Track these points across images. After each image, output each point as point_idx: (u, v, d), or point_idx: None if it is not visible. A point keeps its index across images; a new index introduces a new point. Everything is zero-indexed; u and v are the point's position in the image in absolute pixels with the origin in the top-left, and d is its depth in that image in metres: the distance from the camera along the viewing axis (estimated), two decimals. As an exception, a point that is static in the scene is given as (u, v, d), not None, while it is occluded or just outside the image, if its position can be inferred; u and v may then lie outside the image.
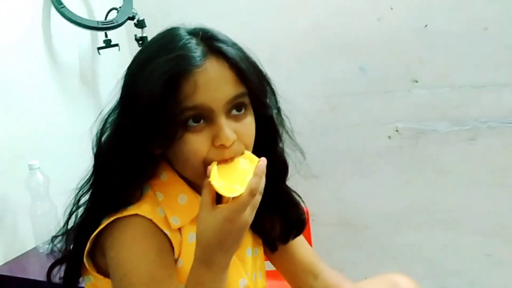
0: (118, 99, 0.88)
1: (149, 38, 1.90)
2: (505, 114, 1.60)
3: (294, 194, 1.02)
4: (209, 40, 0.82)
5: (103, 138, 0.88)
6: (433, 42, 1.65)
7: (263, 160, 0.78)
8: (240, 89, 0.83)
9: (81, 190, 0.92)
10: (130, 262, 0.81)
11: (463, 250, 1.75)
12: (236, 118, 0.83)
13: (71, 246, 0.92)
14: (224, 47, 0.82)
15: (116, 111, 0.88)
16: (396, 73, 1.73)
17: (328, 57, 1.81)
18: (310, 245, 1.56)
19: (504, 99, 1.59)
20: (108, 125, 0.89)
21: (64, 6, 1.74)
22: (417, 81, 1.70)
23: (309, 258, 1.08)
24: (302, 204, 1.04)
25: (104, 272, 0.86)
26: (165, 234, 0.84)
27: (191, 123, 0.80)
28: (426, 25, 1.65)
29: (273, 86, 0.92)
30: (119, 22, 1.86)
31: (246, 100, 0.85)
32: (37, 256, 1.58)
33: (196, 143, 0.80)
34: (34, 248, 1.61)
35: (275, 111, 0.93)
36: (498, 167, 1.65)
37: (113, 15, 1.89)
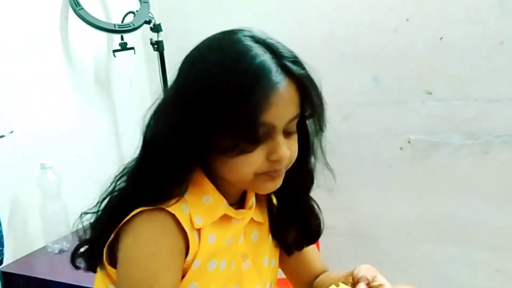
0: (173, 95, 0.87)
1: (164, 43, 1.93)
2: (519, 128, 1.59)
3: (315, 204, 1.03)
4: (281, 59, 0.83)
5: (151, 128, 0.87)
6: (448, 55, 1.65)
7: None
8: (299, 110, 0.85)
9: (122, 174, 0.91)
10: (137, 263, 0.81)
11: (473, 264, 1.74)
12: (288, 135, 0.85)
13: (98, 230, 0.91)
14: (296, 68, 0.84)
15: (169, 106, 0.87)
16: (410, 84, 1.72)
17: (343, 67, 1.81)
18: (319, 254, 1.56)
19: (519, 114, 1.58)
20: (155, 117, 0.87)
21: (82, 8, 1.76)
22: (431, 93, 1.69)
23: (319, 264, 1.10)
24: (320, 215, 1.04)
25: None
26: (184, 232, 0.83)
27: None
28: (441, 38, 1.65)
29: (325, 111, 0.93)
30: (136, 25, 1.87)
31: (297, 120, 0.87)
32: (45, 255, 1.59)
33: (252, 155, 0.82)
34: (43, 247, 1.62)
35: (319, 134, 0.94)
36: (510, 181, 1.63)
37: (129, 18, 1.90)
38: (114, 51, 1.94)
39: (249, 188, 0.90)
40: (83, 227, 0.95)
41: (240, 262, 0.94)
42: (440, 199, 1.75)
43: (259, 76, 0.79)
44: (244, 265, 0.95)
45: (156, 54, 1.93)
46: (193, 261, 0.86)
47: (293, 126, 0.86)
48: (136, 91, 2.09)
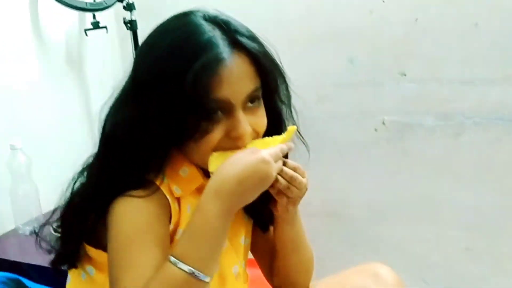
0: (129, 84, 0.87)
1: (138, 22, 1.89)
2: (491, 110, 1.61)
3: None
4: (232, 34, 0.83)
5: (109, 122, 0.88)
6: (423, 36, 1.65)
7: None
8: (257, 83, 0.85)
9: (79, 174, 0.91)
10: (129, 212, 0.82)
11: (445, 244, 1.77)
12: (251, 111, 0.85)
13: (69, 228, 0.91)
14: (248, 42, 0.84)
15: (127, 96, 0.87)
16: (385, 66, 1.73)
17: (318, 48, 1.81)
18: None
19: (491, 96, 1.60)
20: (114, 109, 0.88)
21: (52, -15, 1.71)
22: (405, 75, 1.70)
23: None
24: None
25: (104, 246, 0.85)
26: (167, 200, 0.84)
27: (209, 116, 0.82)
28: (416, 19, 1.65)
29: (287, 81, 0.94)
30: (108, 4, 1.83)
31: (260, 92, 0.87)
32: (16, 237, 1.57)
33: (211, 132, 0.82)
34: (14, 229, 1.59)
35: (285, 104, 0.95)
36: (482, 162, 1.66)
37: (102, -4, 1.86)
38: (86, 30, 1.89)
39: None
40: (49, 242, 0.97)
41: None
42: (413, 179, 1.77)
43: (206, 51, 0.79)
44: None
45: (129, 33, 1.89)
46: (175, 231, 0.87)
47: (255, 100, 0.86)
48: (109, 71, 2.05)
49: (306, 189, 0.93)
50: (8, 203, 1.56)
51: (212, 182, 0.77)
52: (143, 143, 0.82)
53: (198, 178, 0.89)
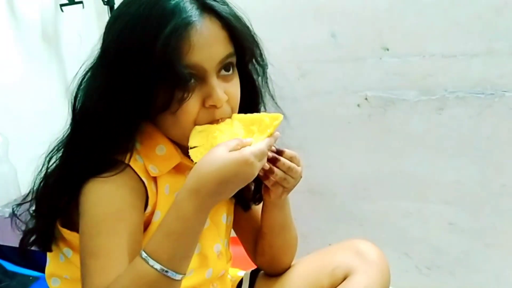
0: (99, 57, 0.85)
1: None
2: (473, 84, 1.61)
3: None
4: None
5: (78, 98, 0.86)
6: (405, 10, 1.63)
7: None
8: (231, 49, 0.84)
9: (53, 152, 0.89)
10: (100, 198, 0.79)
11: (427, 218, 1.78)
12: (225, 79, 0.84)
13: (42, 209, 0.89)
14: (218, 5, 0.82)
15: (97, 69, 0.84)
16: (367, 40, 1.71)
17: (300, 23, 1.78)
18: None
19: (473, 70, 1.59)
20: (85, 83, 0.85)
21: (25, -41, 1.66)
22: (388, 49, 1.68)
23: None
24: None
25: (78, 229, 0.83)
26: (142, 182, 0.82)
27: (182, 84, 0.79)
28: (399, -8, 1.63)
29: (261, 48, 0.92)
30: (84, -22, 1.78)
31: (234, 60, 0.85)
32: (-5, 219, 1.54)
33: (189, 103, 0.80)
34: (-7, 211, 1.56)
35: (261, 73, 0.94)
36: (464, 137, 1.66)
37: (77, -30, 1.80)
38: (62, 5, 1.84)
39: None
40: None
41: None
42: (396, 155, 1.77)
43: (175, 16, 0.77)
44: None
45: (106, 8, 1.84)
46: (153, 212, 0.85)
47: (230, 68, 0.84)
48: (86, 48, 2.00)
49: (301, 177, 0.92)
50: (-15, 185, 1.53)
51: (191, 180, 0.75)
52: (112, 116, 0.79)
53: (176, 157, 0.87)
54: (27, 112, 1.73)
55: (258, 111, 0.95)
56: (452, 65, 1.61)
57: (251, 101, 0.93)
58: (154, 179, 0.85)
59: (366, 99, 1.76)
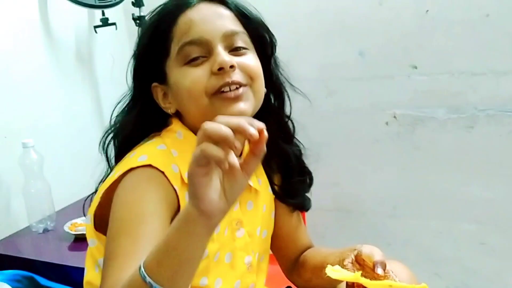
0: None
1: (147, 17, 1.89)
2: (503, 102, 1.59)
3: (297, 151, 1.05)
4: None
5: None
6: (434, 28, 1.64)
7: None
8: (240, 28, 0.88)
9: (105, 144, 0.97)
10: (127, 202, 0.81)
11: (458, 238, 1.76)
12: (237, 54, 0.87)
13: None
14: None
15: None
16: (395, 58, 1.71)
17: (328, 41, 1.80)
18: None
19: (503, 87, 1.58)
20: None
21: (61, -17, 1.71)
22: (416, 67, 1.68)
23: (305, 239, 1.12)
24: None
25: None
26: (174, 191, 0.83)
27: (191, 59, 0.85)
28: (427, 11, 1.63)
29: (272, 36, 0.96)
30: (117, 0, 1.83)
31: (248, 41, 0.89)
32: (29, 235, 1.57)
33: (195, 72, 0.84)
34: (27, 227, 1.60)
35: (273, 61, 0.97)
36: (495, 155, 1.64)
37: (110, -7, 1.86)
38: (95, 27, 1.89)
39: (215, 116, 0.78)
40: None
41: (235, 229, 0.94)
42: (425, 173, 1.75)
43: (177, 4, 0.88)
44: (238, 233, 0.94)
45: (137, 29, 1.89)
46: None
47: (243, 49, 0.87)
48: (118, 67, 2.05)
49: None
50: (21, 201, 1.57)
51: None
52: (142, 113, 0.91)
53: None
54: (61, 130, 1.77)
55: (283, 101, 0.99)
56: (481, 83, 1.60)
57: (276, 94, 0.98)
58: None
59: (394, 117, 1.76)
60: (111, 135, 0.95)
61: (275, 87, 0.97)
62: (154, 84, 0.90)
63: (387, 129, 1.77)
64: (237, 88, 0.84)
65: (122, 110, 0.95)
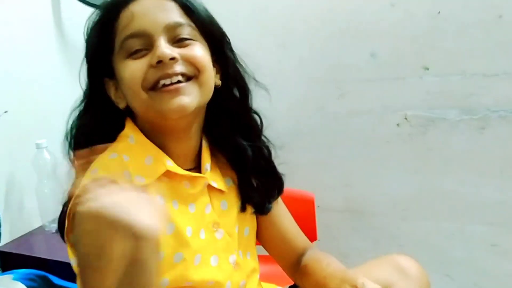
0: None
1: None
2: (516, 103, 1.58)
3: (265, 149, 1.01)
4: None
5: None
6: (446, 29, 1.63)
7: None
8: (185, 20, 0.86)
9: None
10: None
11: (469, 239, 1.75)
12: (181, 45, 0.85)
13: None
14: None
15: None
16: (407, 59, 1.71)
17: (340, 42, 1.80)
18: (315, 231, 1.56)
19: (516, 88, 1.57)
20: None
21: (75, -15, 1.73)
22: (428, 68, 1.68)
23: (300, 240, 1.09)
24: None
25: None
26: None
27: (133, 52, 0.84)
28: (439, 12, 1.63)
29: (221, 28, 0.94)
30: (129, 2, 1.84)
31: (195, 33, 0.88)
32: (43, 234, 1.59)
33: (134, 65, 0.84)
34: (41, 226, 1.62)
35: (229, 54, 0.94)
36: (507, 157, 1.63)
37: (123, -5, 1.87)
38: (108, 28, 1.91)
39: (154, 111, 0.85)
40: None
41: (213, 232, 0.92)
42: (437, 174, 1.75)
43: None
44: (218, 235, 0.93)
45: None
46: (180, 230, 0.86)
47: (184, 35, 0.86)
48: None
49: None
50: (34, 201, 1.59)
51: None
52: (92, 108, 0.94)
53: (163, 165, 0.87)
54: (74, 131, 1.79)
55: (246, 94, 0.96)
56: (494, 84, 1.60)
57: (239, 88, 0.95)
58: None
59: (406, 118, 1.75)
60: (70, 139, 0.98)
61: (235, 81, 0.95)
62: (106, 79, 0.91)
63: (398, 130, 1.77)
64: (179, 81, 0.83)
65: (79, 113, 0.98)
